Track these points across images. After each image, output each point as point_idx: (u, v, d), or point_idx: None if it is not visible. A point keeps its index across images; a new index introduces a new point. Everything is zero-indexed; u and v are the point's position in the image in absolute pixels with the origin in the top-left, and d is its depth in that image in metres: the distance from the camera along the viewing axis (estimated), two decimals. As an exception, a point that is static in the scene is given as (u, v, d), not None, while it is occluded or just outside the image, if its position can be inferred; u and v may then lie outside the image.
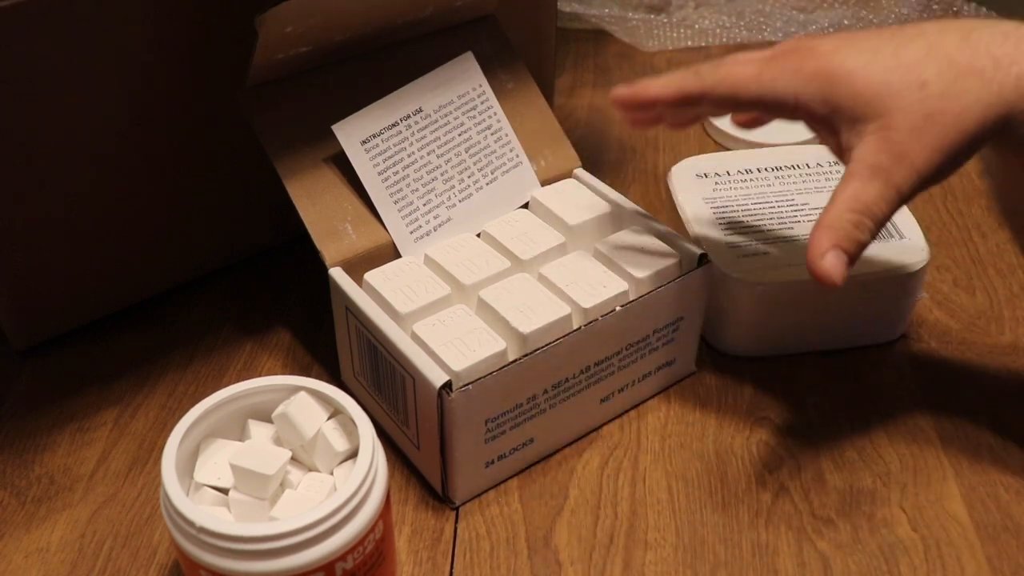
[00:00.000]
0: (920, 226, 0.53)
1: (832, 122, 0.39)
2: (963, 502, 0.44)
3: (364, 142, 0.47)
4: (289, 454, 0.37)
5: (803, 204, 0.54)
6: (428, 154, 0.49)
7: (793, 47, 0.39)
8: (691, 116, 0.45)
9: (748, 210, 0.54)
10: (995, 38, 0.37)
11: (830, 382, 0.51)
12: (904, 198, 0.38)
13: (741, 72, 0.40)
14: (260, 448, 0.37)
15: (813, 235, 0.38)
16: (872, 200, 0.38)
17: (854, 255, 0.39)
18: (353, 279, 0.45)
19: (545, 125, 0.53)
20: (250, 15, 0.41)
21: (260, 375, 0.51)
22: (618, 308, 0.44)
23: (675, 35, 0.82)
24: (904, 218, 0.53)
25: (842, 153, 0.39)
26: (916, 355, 0.52)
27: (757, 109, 0.41)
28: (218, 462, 0.38)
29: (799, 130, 0.70)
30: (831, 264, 0.38)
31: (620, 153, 0.69)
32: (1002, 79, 0.36)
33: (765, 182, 0.56)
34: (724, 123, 0.70)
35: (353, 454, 0.38)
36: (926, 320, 0.55)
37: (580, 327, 0.43)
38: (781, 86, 0.39)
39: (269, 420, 0.39)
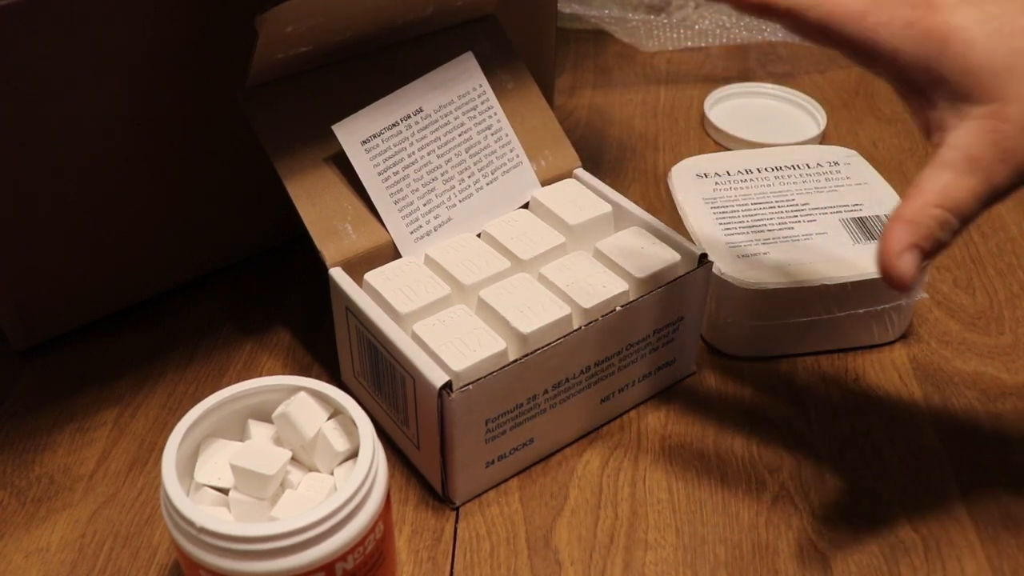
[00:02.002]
0: (920, 226, 0.53)
1: (929, 93, 0.33)
2: (963, 502, 0.44)
3: (364, 142, 0.47)
4: (289, 454, 0.37)
5: (803, 204, 0.54)
6: (428, 154, 0.49)
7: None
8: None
9: (748, 210, 0.54)
10: None
11: (830, 382, 0.51)
12: (999, 198, 0.33)
13: (846, 4, 0.34)
14: (260, 448, 0.37)
15: (890, 228, 0.33)
16: (964, 198, 0.33)
17: (931, 256, 0.34)
18: (353, 279, 0.45)
19: (545, 125, 0.53)
20: (250, 15, 0.41)
21: (260, 375, 0.51)
22: (618, 308, 0.44)
23: (675, 35, 0.82)
24: (904, 218, 0.53)
25: (930, 129, 0.34)
26: (916, 355, 0.52)
27: (845, 50, 0.35)
28: (218, 462, 0.38)
29: (799, 130, 0.70)
30: (906, 266, 0.33)
31: (620, 153, 0.69)
32: None
33: (765, 182, 0.56)
34: (724, 123, 0.70)
35: (353, 454, 0.38)
36: (926, 320, 0.55)
37: (580, 327, 0.43)
38: (884, 36, 0.33)
39: (269, 420, 0.39)
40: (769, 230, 0.52)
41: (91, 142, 0.47)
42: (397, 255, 0.47)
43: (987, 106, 0.32)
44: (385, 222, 0.47)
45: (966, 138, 0.33)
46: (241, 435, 0.39)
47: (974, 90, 0.32)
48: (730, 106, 0.74)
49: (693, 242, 0.48)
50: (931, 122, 0.34)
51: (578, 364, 0.44)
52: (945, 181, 0.33)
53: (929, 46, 0.33)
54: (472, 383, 0.40)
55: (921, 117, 0.35)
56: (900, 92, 0.36)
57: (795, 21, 0.35)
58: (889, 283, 0.33)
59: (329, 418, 0.38)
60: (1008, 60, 0.32)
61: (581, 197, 0.51)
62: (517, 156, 0.51)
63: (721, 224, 0.53)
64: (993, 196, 0.33)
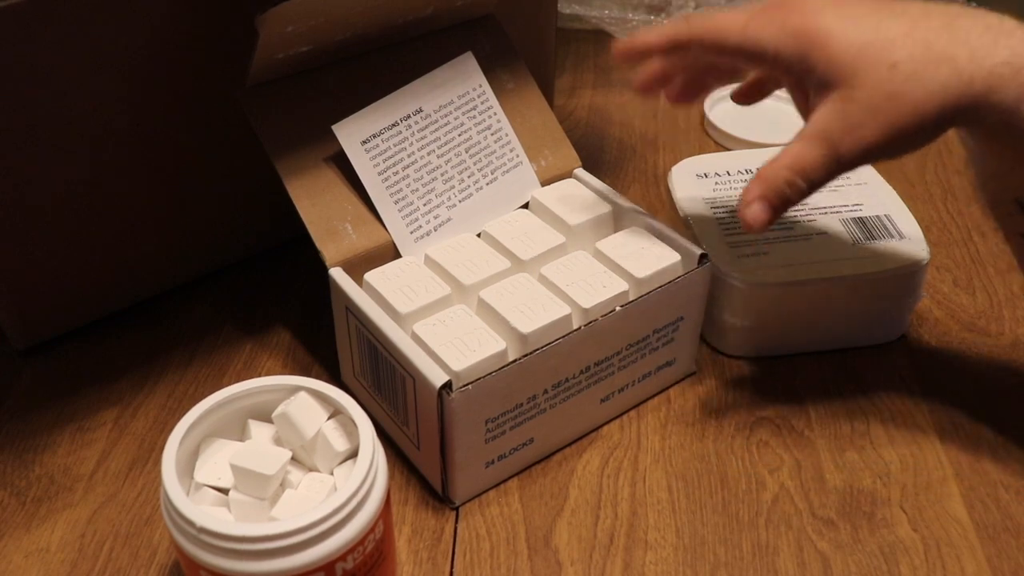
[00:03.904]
0: (920, 226, 0.53)
1: (804, 81, 0.40)
2: (963, 502, 0.44)
3: (364, 142, 0.47)
4: (289, 454, 0.37)
5: (803, 204, 0.54)
6: (428, 154, 0.49)
7: (782, 2, 0.40)
8: (689, 73, 0.46)
9: (748, 210, 0.54)
10: (976, 28, 0.37)
11: (830, 382, 0.51)
12: (845, 167, 0.39)
13: (728, 21, 0.41)
14: (260, 448, 0.37)
15: (749, 183, 0.41)
16: (810, 163, 0.39)
17: (779, 209, 0.40)
18: (353, 279, 0.45)
19: (545, 125, 0.53)
20: (250, 15, 0.41)
21: (260, 375, 0.51)
22: (618, 308, 0.44)
23: (675, 35, 0.82)
24: (904, 218, 0.53)
25: (806, 113, 0.40)
26: (916, 355, 0.52)
27: (738, 59, 0.42)
28: (218, 462, 0.38)
29: (799, 130, 0.70)
30: (753, 213, 0.40)
31: (620, 153, 0.69)
32: (974, 70, 0.36)
33: (765, 182, 0.56)
34: (724, 123, 0.70)
35: (353, 454, 0.38)
36: (926, 320, 0.55)
37: (580, 327, 0.43)
38: (764, 38, 0.40)
39: (269, 420, 0.39)
40: (769, 230, 0.52)
41: (91, 142, 0.47)
42: (397, 255, 0.47)
43: (841, 90, 0.38)
44: (385, 222, 0.47)
45: (821, 115, 0.39)
46: (241, 435, 0.39)
47: (834, 77, 0.38)
48: (730, 106, 0.73)
49: (693, 242, 0.48)
50: (806, 106, 0.40)
51: (578, 364, 0.44)
52: (798, 149, 0.39)
53: (801, 42, 0.39)
54: (472, 383, 0.40)
55: (801, 104, 0.41)
56: (786, 84, 0.43)
57: (699, 47, 0.42)
58: (743, 226, 0.41)
59: (329, 418, 0.38)
60: (858, 51, 0.38)
61: (581, 197, 0.51)
62: (517, 156, 0.51)
63: (721, 224, 0.53)
64: (837, 165, 0.39)
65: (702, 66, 0.45)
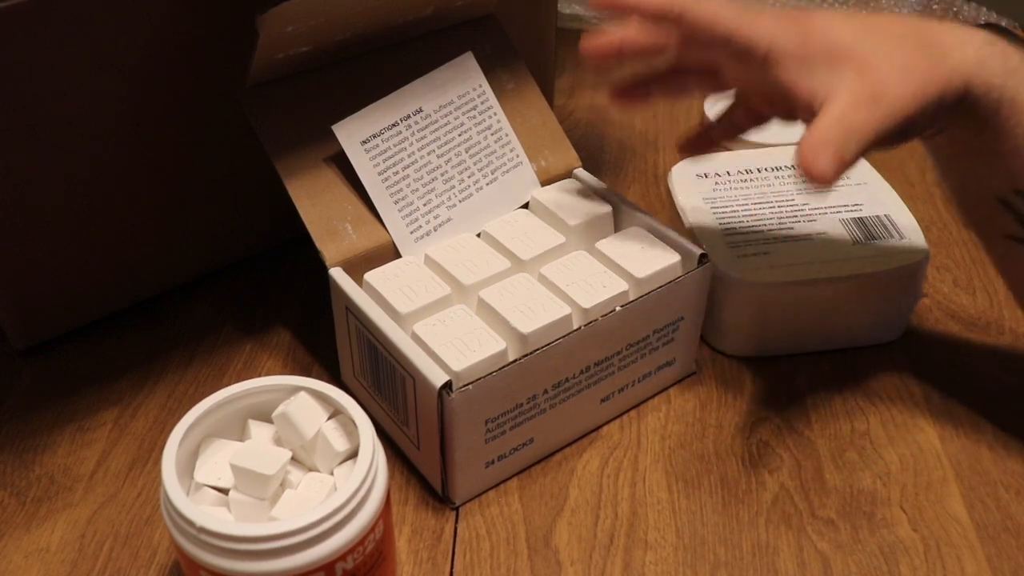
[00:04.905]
0: (920, 226, 0.53)
1: (808, 66, 0.39)
2: (963, 502, 0.44)
3: (364, 142, 0.47)
4: (289, 454, 0.37)
5: (803, 204, 0.54)
6: (428, 154, 0.49)
7: (774, 11, 0.41)
8: (650, 73, 0.46)
9: (748, 210, 0.54)
10: (942, 28, 0.40)
11: (830, 382, 0.51)
12: (882, 134, 0.39)
13: (724, 8, 0.41)
14: (260, 448, 0.37)
15: (804, 143, 0.38)
16: (859, 123, 0.38)
17: (845, 166, 0.39)
18: (353, 279, 0.45)
19: (545, 125, 0.53)
20: (250, 15, 0.41)
21: (260, 375, 0.51)
22: (618, 308, 0.44)
23: (675, 35, 0.82)
24: (904, 218, 0.53)
25: (810, 100, 0.40)
26: (916, 355, 0.52)
27: (725, 49, 0.41)
28: (218, 462, 0.38)
29: (799, 130, 0.70)
30: (826, 163, 0.38)
31: (620, 153, 0.69)
32: (960, 54, 0.39)
33: (765, 182, 0.56)
34: (724, 123, 0.70)
35: (353, 454, 0.38)
36: (926, 320, 0.55)
37: (580, 327, 0.43)
38: (759, 28, 0.40)
39: (269, 420, 0.39)
40: (769, 230, 0.52)
41: (91, 142, 0.47)
42: (397, 255, 0.47)
43: (857, 62, 0.39)
44: (385, 222, 0.47)
45: (847, 84, 0.39)
46: (241, 435, 0.39)
47: (842, 54, 0.39)
48: (730, 106, 0.74)
49: (693, 242, 0.48)
50: (813, 91, 0.40)
51: (578, 364, 0.44)
52: (840, 111, 0.38)
53: (800, 29, 0.40)
54: (472, 383, 0.40)
55: (803, 89, 0.40)
56: (775, 82, 0.40)
57: (686, 25, 0.41)
58: (812, 178, 0.38)
59: (329, 418, 0.38)
60: (859, 34, 0.40)
61: (581, 197, 0.51)
62: (517, 156, 0.51)
63: (721, 224, 0.53)
64: (882, 125, 0.38)
65: (669, 65, 0.44)
